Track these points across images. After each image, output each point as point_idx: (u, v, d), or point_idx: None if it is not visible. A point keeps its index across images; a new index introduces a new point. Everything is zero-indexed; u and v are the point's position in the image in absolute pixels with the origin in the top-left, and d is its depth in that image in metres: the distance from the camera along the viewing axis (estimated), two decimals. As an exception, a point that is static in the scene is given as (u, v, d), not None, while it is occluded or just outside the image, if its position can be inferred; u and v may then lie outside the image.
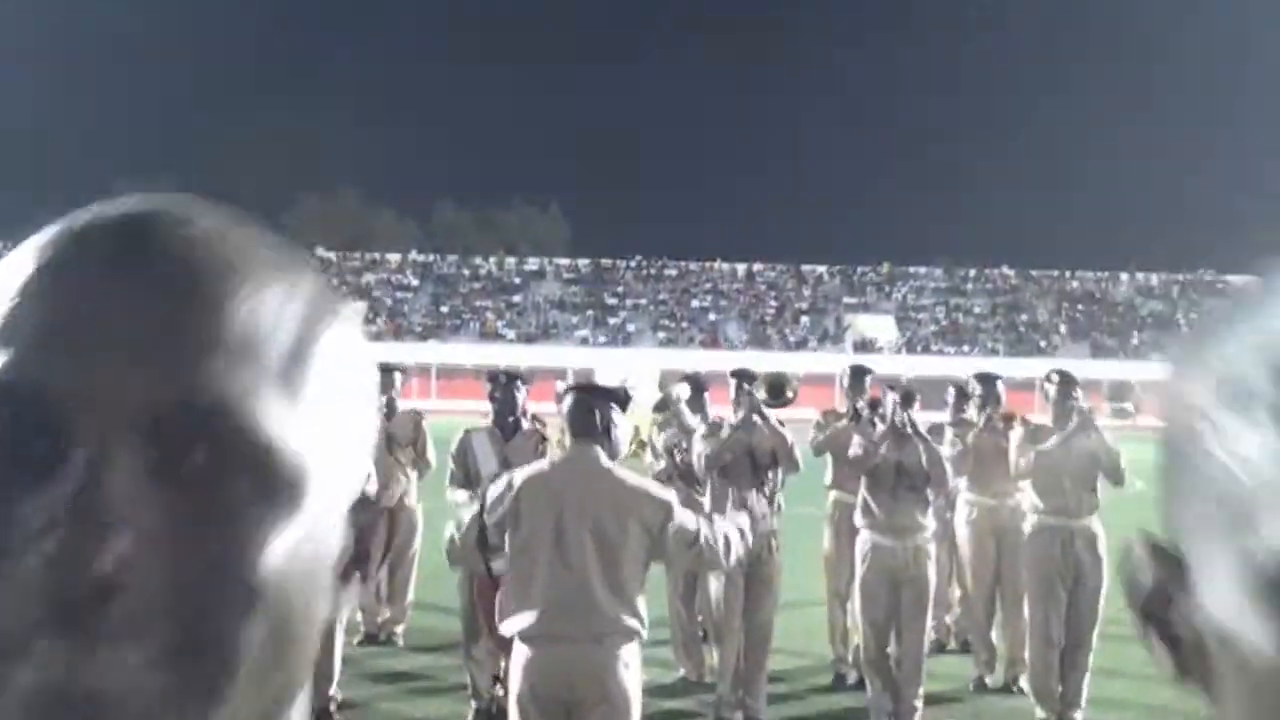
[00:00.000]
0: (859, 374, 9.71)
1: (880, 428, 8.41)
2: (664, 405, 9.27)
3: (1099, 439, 7.99)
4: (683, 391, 9.20)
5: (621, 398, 5.09)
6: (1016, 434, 8.40)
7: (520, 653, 4.75)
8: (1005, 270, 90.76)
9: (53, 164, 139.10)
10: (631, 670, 4.76)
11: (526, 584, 4.73)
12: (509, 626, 4.78)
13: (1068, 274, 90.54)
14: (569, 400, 5.01)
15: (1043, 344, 78.94)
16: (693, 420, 8.72)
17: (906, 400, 7.97)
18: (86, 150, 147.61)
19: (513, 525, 4.79)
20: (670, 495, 4.93)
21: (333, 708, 8.02)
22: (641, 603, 4.80)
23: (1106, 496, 8.23)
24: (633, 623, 4.74)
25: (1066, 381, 8.25)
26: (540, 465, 4.99)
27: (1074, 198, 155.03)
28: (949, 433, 9.70)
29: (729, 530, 4.99)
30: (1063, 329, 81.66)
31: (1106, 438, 8.01)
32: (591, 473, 4.84)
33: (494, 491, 4.93)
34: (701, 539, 4.86)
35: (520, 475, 4.90)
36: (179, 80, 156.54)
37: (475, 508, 5.01)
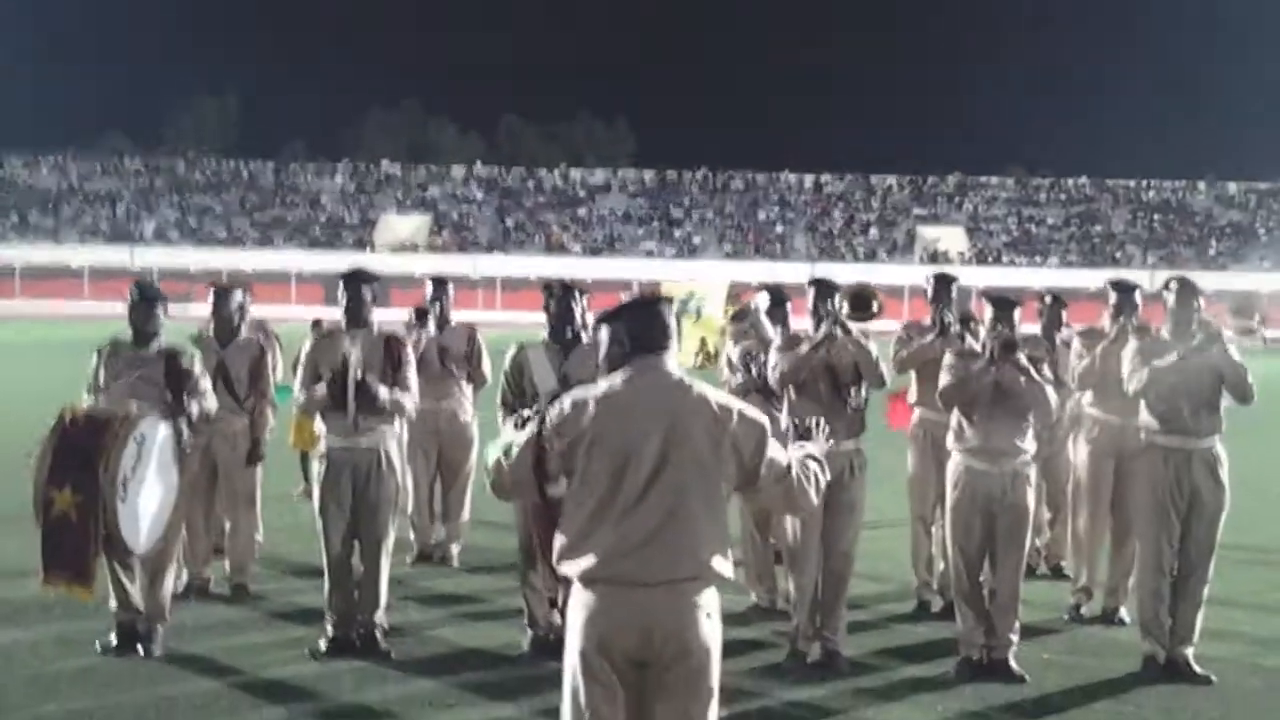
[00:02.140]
0: (944, 282, 8.95)
1: (970, 344, 7.71)
2: (742, 315, 8.55)
3: (1223, 353, 7.20)
4: (762, 301, 8.51)
5: (670, 306, 4.39)
6: (1130, 345, 7.61)
7: (583, 598, 4.05)
8: (1079, 180, 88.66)
9: (120, 80, 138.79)
10: (714, 621, 4.06)
11: (598, 519, 4.02)
12: (571, 566, 4.07)
13: (1143, 183, 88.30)
14: (633, 311, 4.27)
15: (1117, 255, 77.18)
16: (771, 331, 8.02)
17: (1007, 348, 7.15)
18: (152, 65, 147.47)
19: (587, 452, 4.06)
20: (765, 417, 4.20)
21: (379, 634, 7.51)
22: (728, 541, 4.11)
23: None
24: (722, 565, 4.04)
25: (1186, 289, 7.44)
26: (615, 384, 4.18)
27: (1150, 105, 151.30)
28: (1076, 343, 8.96)
29: (812, 462, 4.30)
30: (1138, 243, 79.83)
31: (1232, 351, 7.23)
32: (674, 391, 4.11)
33: (557, 412, 4.16)
34: (793, 473, 4.17)
35: (592, 393, 4.15)
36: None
37: (525, 432, 4.27)
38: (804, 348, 7.33)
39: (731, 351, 8.79)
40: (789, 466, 4.16)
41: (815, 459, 4.32)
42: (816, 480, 4.26)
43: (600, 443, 4.04)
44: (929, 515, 8.73)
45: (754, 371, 8.25)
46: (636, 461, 3.99)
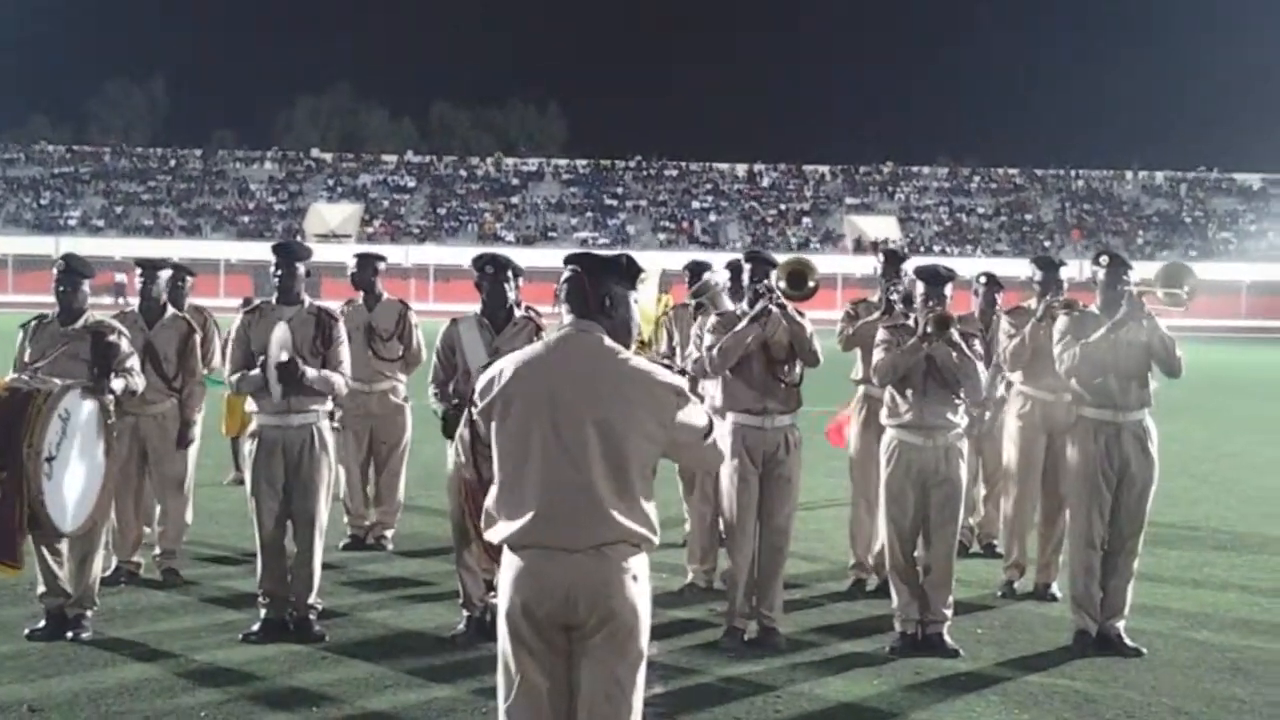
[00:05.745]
0: (893, 259, 8.92)
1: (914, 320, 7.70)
2: (702, 291, 8.51)
3: (1151, 326, 7.28)
4: (721, 277, 8.46)
5: (625, 271, 4.26)
6: (1060, 322, 7.67)
7: (510, 563, 4.05)
8: (1009, 169, 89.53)
9: (44, 65, 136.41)
10: (640, 584, 4.05)
11: (516, 484, 4.01)
12: (496, 533, 4.07)
13: (1072, 173, 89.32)
14: (565, 273, 4.24)
15: (1047, 244, 77.97)
16: (730, 307, 7.96)
17: (941, 324, 7.15)
18: (78, 49, 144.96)
19: (501, 416, 4.06)
20: (682, 381, 4.17)
21: (313, 617, 7.43)
22: (651, 505, 4.08)
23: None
24: (642, 529, 4.01)
25: (1117, 263, 7.50)
26: (533, 347, 4.21)
27: (1078, 95, 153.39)
28: (1005, 322, 8.99)
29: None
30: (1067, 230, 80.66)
31: (1161, 325, 7.31)
32: (592, 355, 4.07)
33: (482, 379, 4.20)
34: (714, 431, 4.16)
35: (510, 360, 4.16)
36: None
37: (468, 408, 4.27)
38: (742, 324, 7.31)
39: (695, 326, 8.65)
40: (710, 426, 4.14)
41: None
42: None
43: (512, 405, 4.04)
44: (872, 494, 8.71)
45: None
46: (548, 427, 3.97)
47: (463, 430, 4.30)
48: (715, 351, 7.30)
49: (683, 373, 4.33)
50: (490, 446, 4.13)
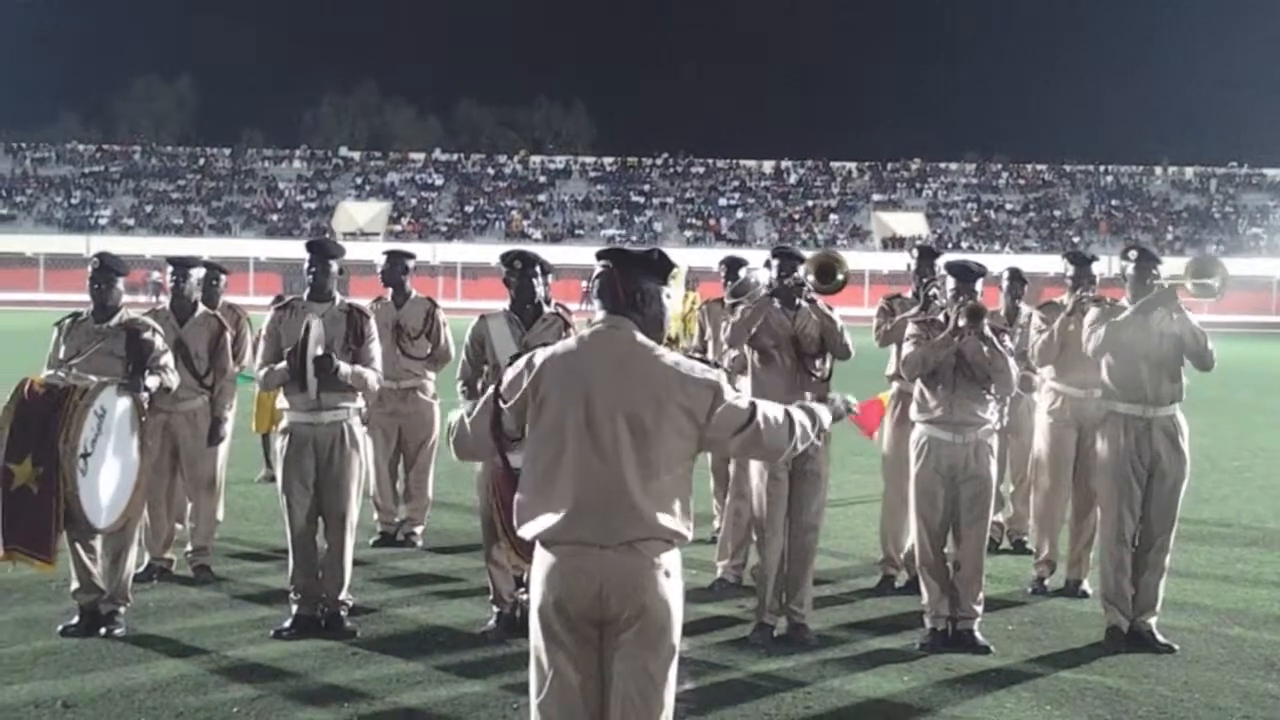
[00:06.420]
0: (927, 255, 8.89)
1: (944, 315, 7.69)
2: (742, 291, 8.49)
3: (1182, 319, 7.24)
4: (763, 276, 8.46)
5: (657, 266, 4.25)
6: (1090, 314, 7.64)
7: (542, 559, 4.06)
8: (1037, 165, 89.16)
9: (71, 62, 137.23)
10: (673, 580, 4.05)
11: (548, 480, 4.02)
12: (529, 529, 4.07)
13: (1101, 169, 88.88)
14: (597, 269, 4.24)
15: (1076, 239, 77.57)
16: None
17: (974, 315, 7.14)
18: (98, 48, 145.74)
19: (534, 411, 4.07)
20: (718, 375, 4.13)
21: (344, 613, 7.47)
22: (685, 502, 4.07)
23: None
24: (675, 525, 4.01)
25: (1146, 258, 7.47)
26: (566, 343, 4.21)
27: (1106, 91, 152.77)
28: (1035, 318, 8.95)
29: (798, 412, 4.23)
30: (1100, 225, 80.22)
31: (1192, 318, 7.27)
32: (624, 350, 4.07)
33: (511, 372, 4.20)
34: (758, 417, 4.07)
35: (542, 354, 4.16)
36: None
37: (488, 392, 4.28)
38: (760, 295, 7.36)
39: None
40: (750, 413, 4.07)
41: (808, 414, 4.28)
42: (794, 423, 4.18)
43: (545, 401, 4.04)
44: (906, 490, 8.69)
45: None
46: (581, 423, 3.97)
47: (480, 417, 4.27)
48: (729, 330, 7.36)
49: (715, 365, 4.30)
50: (512, 437, 4.15)
